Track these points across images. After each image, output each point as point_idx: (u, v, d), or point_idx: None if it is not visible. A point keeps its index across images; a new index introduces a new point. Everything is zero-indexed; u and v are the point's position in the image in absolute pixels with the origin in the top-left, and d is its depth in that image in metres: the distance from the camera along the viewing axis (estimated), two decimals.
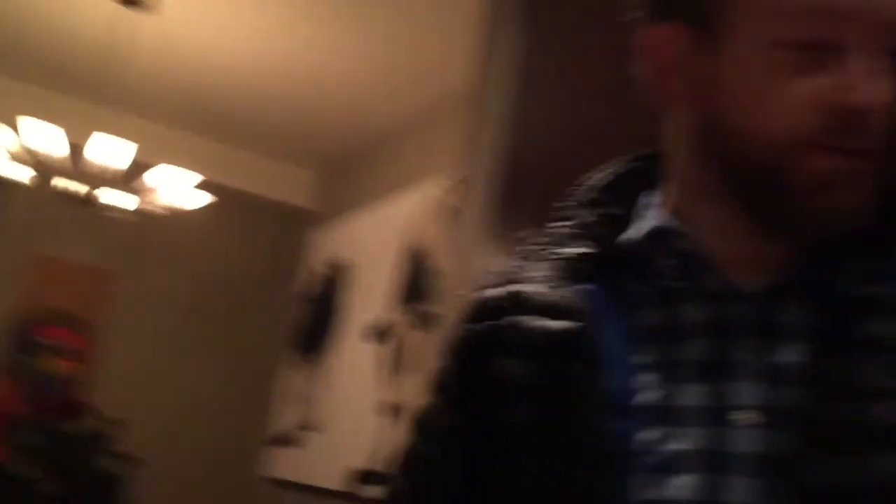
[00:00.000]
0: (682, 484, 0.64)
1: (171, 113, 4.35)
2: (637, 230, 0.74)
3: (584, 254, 0.75)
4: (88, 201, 3.15)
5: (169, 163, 4.02)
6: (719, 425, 0.65)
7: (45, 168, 2.97)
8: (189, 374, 4.41)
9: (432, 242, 3.34)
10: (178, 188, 3.13)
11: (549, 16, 2.02)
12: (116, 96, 3.53)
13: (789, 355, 0.65)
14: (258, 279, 4.64)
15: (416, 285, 3.40)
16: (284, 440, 4.25)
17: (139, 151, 3.83)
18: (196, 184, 3.22)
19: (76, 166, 3.04)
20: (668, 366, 0.68)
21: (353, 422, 3.63)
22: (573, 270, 0.74)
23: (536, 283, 0.74)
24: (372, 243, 3.93)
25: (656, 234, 0.72)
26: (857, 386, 0.63)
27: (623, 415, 0.67)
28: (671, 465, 0.65)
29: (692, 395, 0.66)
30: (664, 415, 0.67)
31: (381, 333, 3.60)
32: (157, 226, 3.90)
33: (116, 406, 4.02)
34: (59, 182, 3.04)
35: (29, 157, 3.01)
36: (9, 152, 3.01)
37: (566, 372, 0.70)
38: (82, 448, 2.51)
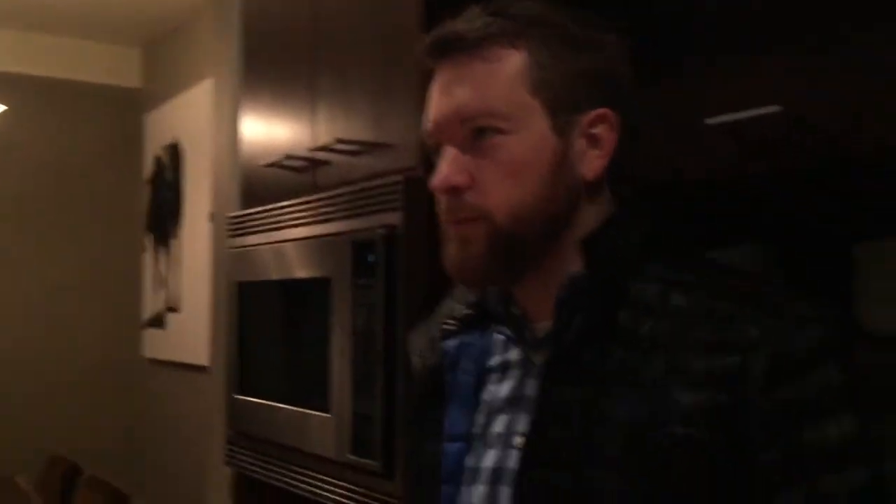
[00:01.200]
0: (478, 493, 0.86)
1: None
2: (491, 290, 0.93)
3: (459, 316, 0.95)
4: None
5: None
6: (507, 447, 0.85)
7: None
8: (51, 275, 4.46)
9: None
10: None
11: None
12: None
13: (532, 389, 0.86)
14: (102, 168, 4.61)
15: None
16: (154, 322, 4.41)
17: None
18: None
19: None
20: (493, 401, 0.89)
21: (206, 300, 3.78)
22: (454, 328, 0.95)
23: (421, 341, 1.01)
24: (201, 123, 3.93)
25: (496, 295, 0.92)
26: (570, 413, 0.80)
27: (459, 439, 0.89)
28: (476, 478, 0.87)
29: (500, 423, 0.87)
30: (482, 439, 0.88)
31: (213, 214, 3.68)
32: None
33: None
34: None
35: None
36: None
37: (423, 407, 0.96)
38: None
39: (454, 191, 0.84)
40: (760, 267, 1.34)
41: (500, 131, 0.83)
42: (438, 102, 0.87)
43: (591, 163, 0.85)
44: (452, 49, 0.85)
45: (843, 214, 1.33)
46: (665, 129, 1.27)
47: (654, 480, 0.75)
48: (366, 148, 1.63)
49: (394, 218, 1.51)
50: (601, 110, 0.85)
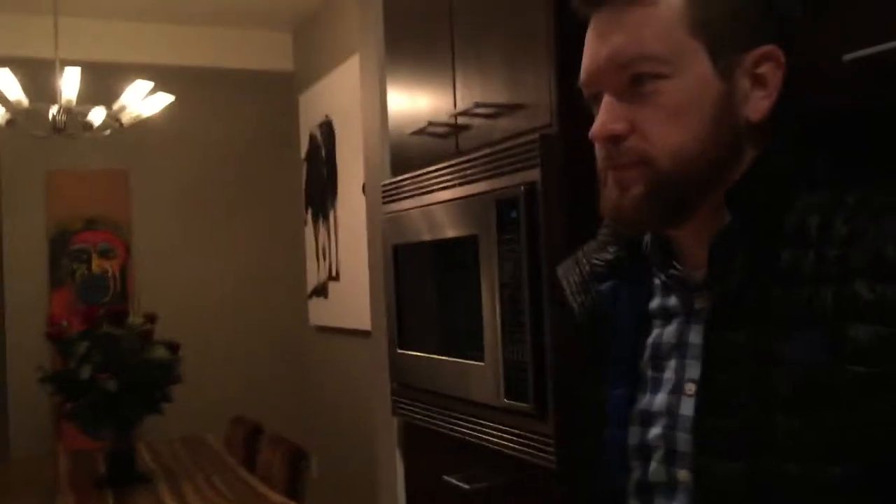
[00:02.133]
0: (652, 435, 0.87)
1: (135, 7, 4.50)
2: (649, 235, 0.92)
3: (611, 258, 0.97)
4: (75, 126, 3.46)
5: (142, 56, 4.29)
6: (677, 393, 0.86)
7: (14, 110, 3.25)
8: (224, 255, 4.81)
9: None
10: (137, 99, 3.38)
11: None
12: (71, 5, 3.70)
13: (696, 336, 0.85)
14: (263, 150, 4.91)
15: None
16: (318, 292, 4.69)
17: (119, 51, 4.10)
18: (152, 88, 3.45)
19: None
20: (658, 345, 0.90)
21: (363, 269, 3.98)
22: (606, 270, 0.97)
23: (572, 278, 1.02)
24: (350, 99, 4.12)
25: (654, 239, 0.92)
26: (740, 358, 0.78)
27: (628, 381, 0.91)
28: (646, 421, 0.88)
29: (668, 369, 0.88)
30: (651, 383, 0.89)
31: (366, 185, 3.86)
32: (155, 123, 4.18)
33: (157, 295, 4.51)
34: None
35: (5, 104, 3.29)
36: None
37: (587, 352, 0.99)
38: (131, 345, 2.89)
39: (613, 139, 0.82)
40: None
41: (659, 76, 0.80)
42: (594, 50, 0.84)
43: (757, 104, 0.82)
44: None
45: None
46: (803, 65, 1.27)
47: (835, 421, 0.71)
48: (503, 110, 1.71)
49: (533, 175, 1.58)
50: (766, 48, 0.81)
